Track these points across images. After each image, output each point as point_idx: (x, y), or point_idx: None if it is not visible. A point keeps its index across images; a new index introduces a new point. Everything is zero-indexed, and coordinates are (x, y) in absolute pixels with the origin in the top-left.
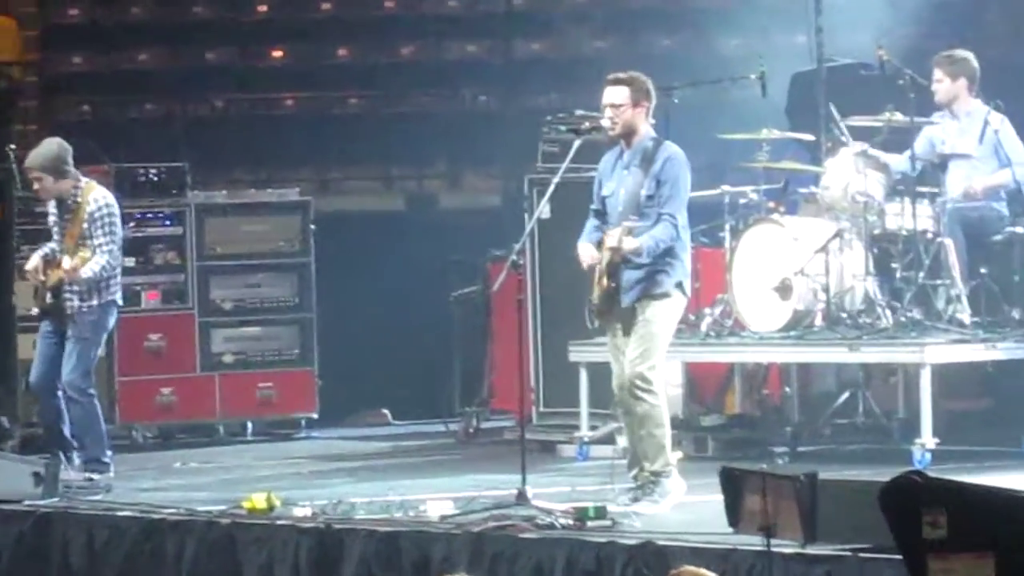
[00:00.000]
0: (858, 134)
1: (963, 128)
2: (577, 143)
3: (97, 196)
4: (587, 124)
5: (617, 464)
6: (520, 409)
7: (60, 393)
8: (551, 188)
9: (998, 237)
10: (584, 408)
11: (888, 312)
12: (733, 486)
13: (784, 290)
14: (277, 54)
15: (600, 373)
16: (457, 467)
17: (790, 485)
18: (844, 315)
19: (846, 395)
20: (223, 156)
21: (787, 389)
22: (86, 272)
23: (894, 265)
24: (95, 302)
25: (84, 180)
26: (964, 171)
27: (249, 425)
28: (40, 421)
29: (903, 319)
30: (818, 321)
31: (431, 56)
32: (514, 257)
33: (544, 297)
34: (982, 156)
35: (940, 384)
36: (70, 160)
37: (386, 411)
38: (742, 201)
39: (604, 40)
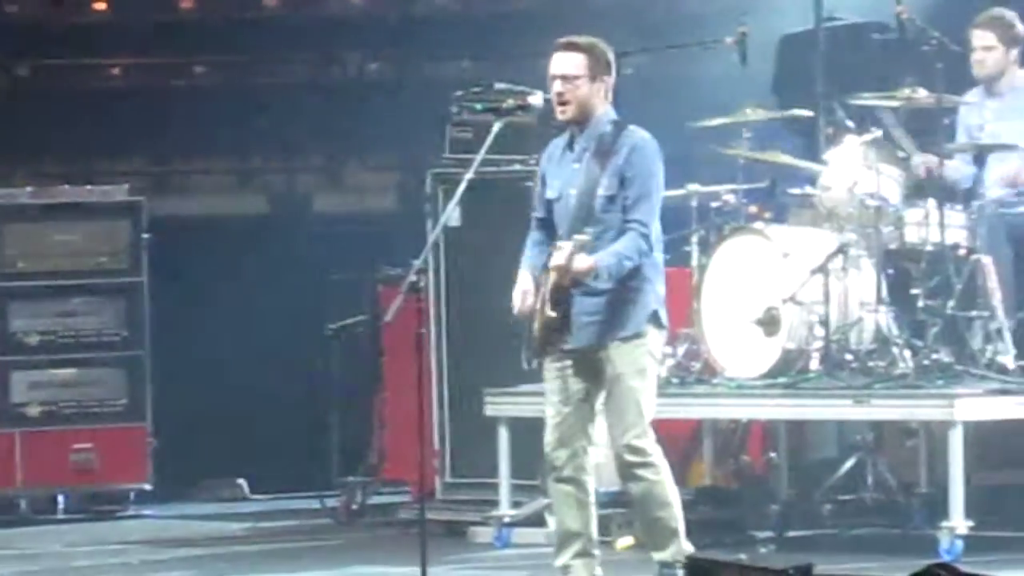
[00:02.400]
0: (868, 117)
1: (1009, 108)
2: (497, 126)
3: None
4: (510, 101)
5: (539, 552)
6: (419, 480)
7: None
8: (462, 186)
9: None
10: (505, 479)
11: (907, 353)
12: None
13: (770, 323)
14: (99, 6)
15: (526, 431)
16: (337, 557)
17: None
18: (849, 357)
19: (851, 463)
20: (27, 142)
21: (773, 455)
22: None
23: (915, 291)
24: None
25: None
26: (1012, 165)
27: (60, 499)
28: None
29: (927, 362)
30: (814, 365)
31: (303, 9)
32: (413, 278)
33: (452, 331)
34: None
35: (975, 449)
36: None
37: (242, 481)
38: (715, 204)
39: None
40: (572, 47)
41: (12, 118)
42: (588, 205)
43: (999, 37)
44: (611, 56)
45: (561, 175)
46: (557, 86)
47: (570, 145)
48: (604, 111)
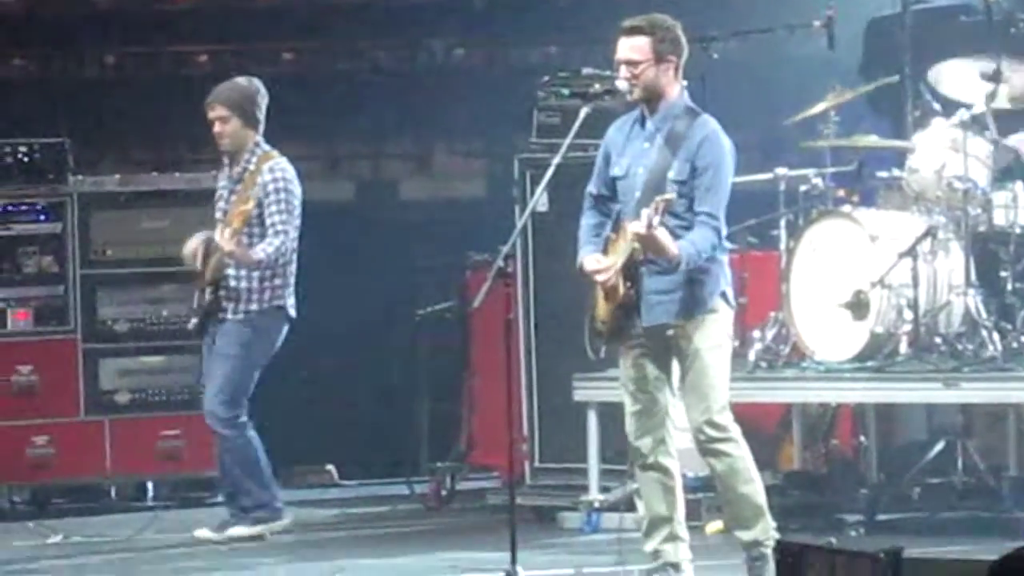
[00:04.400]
0: (955, 100)
1: None
2: (584, 111)
3: (274, 167)
4: (597, 86)
5: (626, 538)
6: (509, 465)
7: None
8: (550, 171)
9: None
10: (594, 463)
11: (996, 336)
12: (792, 566)
13: (858, 307)
14: None
15: (615, 416)
16: (426, 542)
17: (867, 565)
18: (938, 340)
19: (940, 446)
20: (115, 130)
21: (862, 438)
22: (256, 254)
23: (1004, 273)
24: (254, 306)
25: (265, 146)
26: None
27: (150, 486)
28: (218, 464)
29: (1016, 345)
30: (903, 348)
31: None
32: (501, 263)
33: (541, 316)
34: None
35: None
36: (263, 107)
37: (331, 467)
38: (803, 188)
39: None
40: (635, 31)
41: (99, 106)
42: (658, 185)
43: None
44: (679, 33)
45: (630, 153)
46: (623, 71)
47: (639, 124)
48: (676, 92)
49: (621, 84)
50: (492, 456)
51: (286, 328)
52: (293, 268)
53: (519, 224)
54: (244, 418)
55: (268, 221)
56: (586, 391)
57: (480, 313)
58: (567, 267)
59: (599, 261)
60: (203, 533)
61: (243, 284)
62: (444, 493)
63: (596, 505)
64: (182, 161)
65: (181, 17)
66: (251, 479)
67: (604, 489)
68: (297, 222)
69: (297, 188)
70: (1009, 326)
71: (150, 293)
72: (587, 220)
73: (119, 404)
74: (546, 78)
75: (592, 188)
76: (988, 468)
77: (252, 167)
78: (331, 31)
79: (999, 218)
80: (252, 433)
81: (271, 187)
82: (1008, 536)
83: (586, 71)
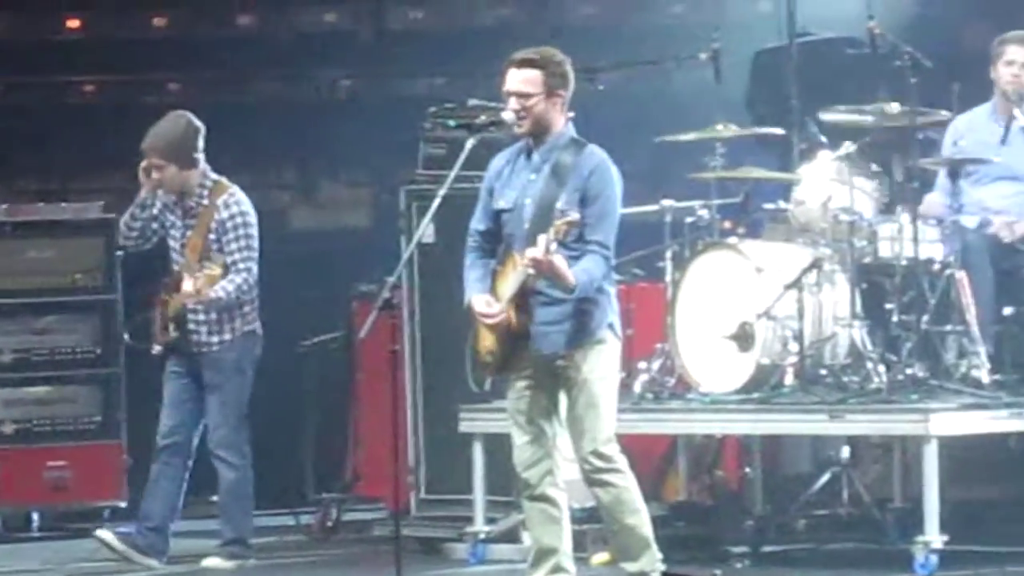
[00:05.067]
0: (841, 132)
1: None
2: (471, 143)
3: (229, 201)
4: (483, 118)
5: (512, 570)
6: (394, 496)
7: (189, 456)
8: (436, 202)
9: None
10: (479, 495)
11: (881, 368)
12: None
13: (744, 339)
14: (73, 24)
15: (500, 447)
16: (312, 573)
17: None
18: (823, 372)
19: (826, 478)
20: (2, 159)
21: (748, 470)
22: (216, 292)
23: (889, 305)
24: (228, 336)
25: (213, 176)
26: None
27: (35, 517)
28: (149, 484)
29: (901, 377)
30: (788, 380)
31: (277, 27)
32: (387, 294)
33: (427, 347)
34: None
35: (950, 464)
36: (200, 144)
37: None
38: (689, 220)
39: (506, 6)
40: (527, 64)
41: None
42: (546, 217)
43: None
44: (568, 68)
45: (516, 185)
46: (512, 103)
47: (524, 155)
48: (562, 125)
49: (507, 115)
50: (378, 487)
51: (259, 351)
52: (257, 292)
53: (405, 255)
54: (248, 447)
55: (229, 259)
56: (472, 422)
57: (366, 344)
58: (453, 298)
59: (489, 304)
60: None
61: (213, 314)
62: (329, 524)
63: (482, 536)
64: (69, 191)
65: (69, 46)
66: (243, 511)
67: (490, 520)
68: (256, 253)
69: (254, 218)
70: (894, 358)
71: (35, 323)
72: (472, 257)
73: (4, 434)
74: (432, 109)
75: (477, 224)
76: (873, 500)
77: (206, 201)
78: (218, 61)
79: (884, 250)
80: (251, 466)
81: (228, 224)
82: (893, 568)
83: (472, 102)
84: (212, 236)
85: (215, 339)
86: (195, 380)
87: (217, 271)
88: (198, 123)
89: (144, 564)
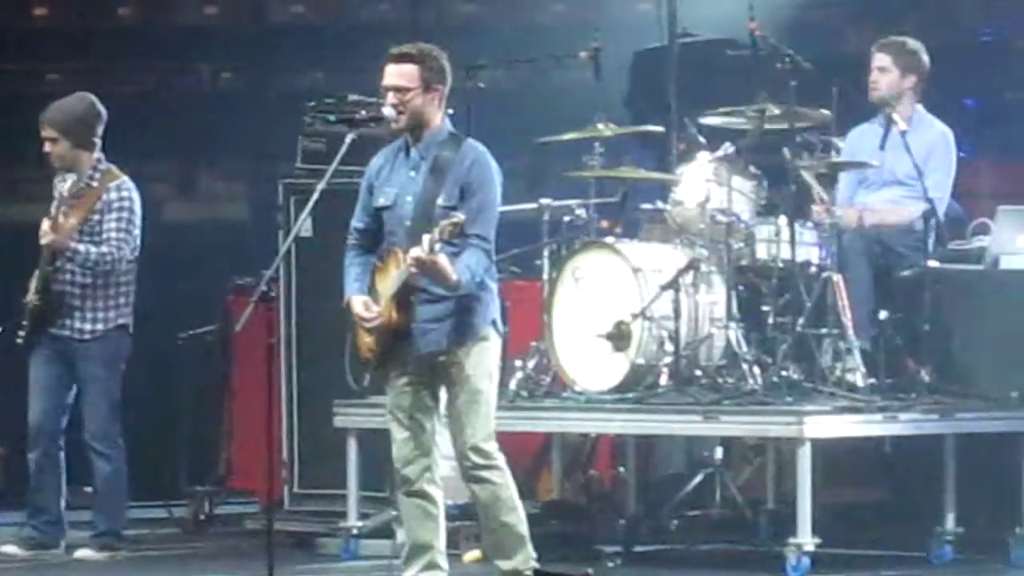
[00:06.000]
0: (721, 133)
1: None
2: (350, 138)
3: (121, 186)
4: (363, 113)
5: (394, 565)
6: (268, 490)
7: (61, 440)
8: (314, 197)
9: (906, 272)
10: (353, 490)
11: (756, 369)
12: None
13: (620, 338)
14: None
15: (375, 443)
16: (184, 566)
17: None
18: (698, 373)
19: (699, 478)
20: None
21: (622, 469)
22: (76, 244)
23: (765, 307)
24: (101, 327)
25: (107, 164)
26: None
27: None
28: (33, 477)
29: (776, 379)
30: (664, 380)
31: (156, 18)
32: (264, 288)
33: (302, 341)
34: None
35: (823, 466)
36: (99, 129)
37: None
38: (566, 219)
39: (387, 2)
40: (404, 58)
41: None
42: (427, 213)
43: (896, 61)
44: (445, 63)
45: (396, 182)
46: (390, 98)
47: (403, 153)
48: (440, 120)
49: (388, 111)
50: (251, 481)
51: (130, 344)
52: (133, 288)
53: (282, 249)
54: (121, 439)
55: (105, 235)
56: (346, 417)
57: (242, 337)
58: (330, 293)
59: (368, 307)
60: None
61: (87, 302)
62: (202, 517)
63: (355, 532)
64: (31, 180)
65: None
66: (117, 503)
67: (363, 516)
68: (135, 243)
69: (139, 210)
70: (769, 360)
71: None
72: (352, 256)
73: None
74: (312, 104)
75: (356, 222)
76: (746, 501)
77: (95, 183)
78: (97, 53)
79: (761, 252)
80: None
81: (115, 204)
82: (765, 570)
83: (352, 98)
84: (96, 217)
85: (88, 327)
86: (65, 367)
87: (72, 222)
88: (102, 109)
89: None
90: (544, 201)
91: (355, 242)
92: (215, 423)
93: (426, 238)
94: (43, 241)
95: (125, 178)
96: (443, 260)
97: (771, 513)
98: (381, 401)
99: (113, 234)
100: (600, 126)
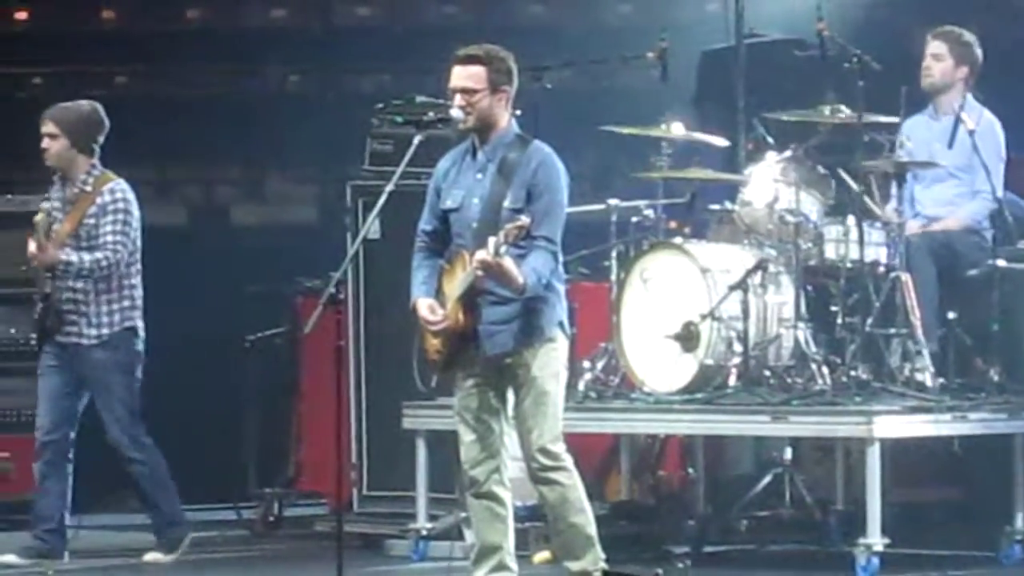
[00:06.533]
0: (789, 133)
1: (942, 130)
2: (418, 139)
3: (115, 188)
4: (431, 114)
5: (456, 566)
6: (337, 492)
7: (71, 450)
8: (382, 198)
9: (973, 272)
10: (422, 491)
11: (825, 370)
12: None
13: (688, 339)
14: (21, 16)
15: (443, 444)
16: (253, 568)
17: None
18: (767, 373)
19: (768, 479)
20: None
21: (691, 470)
22: (68, 256)
23: (834, 308)
24: (106, 331)
25: (102, 169)
26: (942, 187)
27: None
28: (39, 487)
29: (845, 379)
30: (732, 380)
31: (225, 23)
32: (332, 290)
33: (371, 343)
34: (957, 167)
35: (893, 466)
36: (99, 137)
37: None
38: (635, 219)
39: (454, 4)
40: (471, 60)
41: None
42: (494, 216)
43: (951, 51)
44: (512, 65)
45: (463, 184)
46: (457, 100)
47: (470, 155)
48: (507, 122)
49: (455, 112)
50: (320, 483)
51: (141, 347)
52: (139, 291)
53: (351, 251)
54: (148, 438)
55: (101, 240)
56: (415, 419)
57: (311, 340)
58: (399, 295)
59: (433, 310)
60: (8, 557)
61: (91, 308)
62: (271, 519)
63: (424, 533)
64: (14, 183)
65: (15, 38)
66: (166, 496)
67: (432, 517)
68: (133, 246)
69: (136, 212)
70: (838, 360)
71: None
72: (420, 258)
73: None
74: (380, 105)
75: (425, 224)
76: (815, 501)
77: (89, 188)
78: (164, 55)
79: (830, 252)
80: (157, 449)
81: (110, 207)
82: (834, 570)
83: (420, 99)
84: (91, 220)
85: (93, 332)
86: (73, 375)
87: (66, 228)
88: (104, 117)
89: (53, 567)
90: (612, 202)
91: (423, 244)
92: (284, 425)
93: (491, 241)
94: (32, 264)
95: (119, 180)
96: (508, 263)
97: (840, 513)
98: (449, 403)
99: (109, 237)
100: (665, 127)
